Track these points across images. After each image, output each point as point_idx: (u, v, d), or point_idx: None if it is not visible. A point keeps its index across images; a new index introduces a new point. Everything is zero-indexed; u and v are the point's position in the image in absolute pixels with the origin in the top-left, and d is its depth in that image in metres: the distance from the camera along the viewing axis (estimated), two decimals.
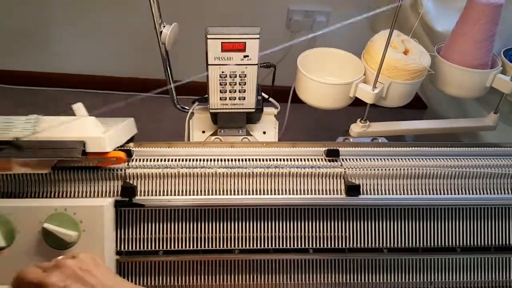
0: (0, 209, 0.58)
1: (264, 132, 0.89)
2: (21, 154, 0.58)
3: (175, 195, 0.64)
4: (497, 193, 0.67)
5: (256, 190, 0.65)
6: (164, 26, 0.78)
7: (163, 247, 0.64)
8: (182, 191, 0.65)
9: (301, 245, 0.65)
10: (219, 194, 0.65)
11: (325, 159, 0.69)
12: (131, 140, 0.72)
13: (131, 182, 0.64)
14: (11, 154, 0.57)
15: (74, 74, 1.80)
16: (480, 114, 1.04)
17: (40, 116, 0.63)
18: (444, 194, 0.66)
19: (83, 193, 0.64)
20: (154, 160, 0.67)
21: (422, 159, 0.68)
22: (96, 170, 0.64)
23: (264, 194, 0.65)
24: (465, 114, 1.15)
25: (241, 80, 0.76)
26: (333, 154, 0.69)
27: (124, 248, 0.63)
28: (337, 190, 0.65)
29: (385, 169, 0.66)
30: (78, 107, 0.65)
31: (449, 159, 0.69)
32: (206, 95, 0.80)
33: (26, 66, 1.78)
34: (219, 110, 0.80)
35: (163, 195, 0.64)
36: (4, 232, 0.58)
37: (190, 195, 0.65)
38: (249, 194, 0.65)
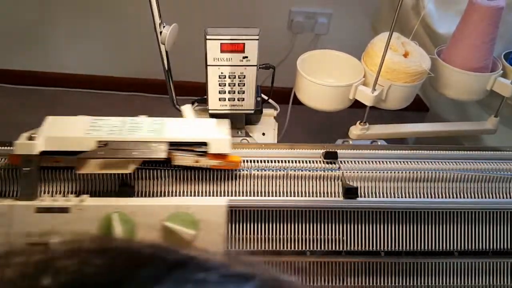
0: (124, 208, 0.59)
1: (264, 134, 0.89)
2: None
3: (171, 196, 0.64)
4: (496, 197, 0.66)
5: (254, 192, 0.65)
6: (164, 27, 0.78)
7: None
8: (180, 192, 0.65)
9: (298, 248, 0.64)
10: (216, 196, 0.65)
11: (323, 161, 0.68)
12: None
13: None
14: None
15: (74, 74, 1.80)
16: (482, 117, 1.03)
17: (164, 118, 0.67)
18: (442, 197, 0.66)
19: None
20: None
21: (420, 162, 0.68)
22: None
23: (261, 196, 0.65)
24: (467, 118, 1.15)
25: (240, 81, 0.76)
26: (331, 156, 0.68)
27: None
28: (334, 193, 0.65)
29: (383, 172, 0.66)
30: (187, 109, 0.71)
31: (448, 162, 0.68)
32: (205, 96, 0.79)
33: (27, 65, 1.78)
34: (218, 111, 0.80)
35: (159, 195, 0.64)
36: (126, 230, 0.58)
37: (185, 196, 0.64)
38: (246, 195, 0.65)
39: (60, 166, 0.63)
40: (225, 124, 0.70)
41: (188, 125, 0.69)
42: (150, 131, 0.63)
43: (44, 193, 0.63)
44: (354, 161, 0.68)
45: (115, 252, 0.25)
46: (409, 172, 0.66)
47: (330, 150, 0.69)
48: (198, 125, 0.69)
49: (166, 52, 0.81)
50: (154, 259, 0.24)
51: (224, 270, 0.24)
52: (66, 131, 0.63)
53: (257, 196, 0.65)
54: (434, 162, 0.68)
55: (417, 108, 1.04)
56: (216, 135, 0.65)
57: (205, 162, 0.63)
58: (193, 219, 0.60)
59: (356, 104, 0.85)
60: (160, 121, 0.66)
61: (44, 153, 0.60)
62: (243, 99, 0.78)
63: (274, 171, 0.66)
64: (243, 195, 0.65)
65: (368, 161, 0.68)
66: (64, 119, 0.65)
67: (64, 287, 0.23)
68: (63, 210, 0.59)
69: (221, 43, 0.71)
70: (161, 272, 0.23)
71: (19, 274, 0.24)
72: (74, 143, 0.61)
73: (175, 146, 0.62)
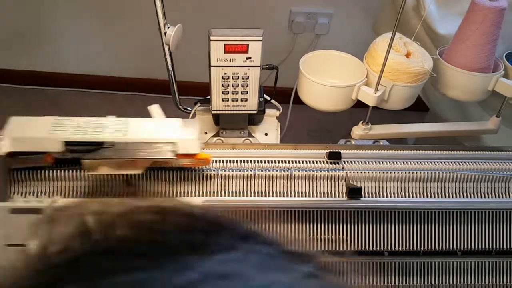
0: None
1: (266, 134, 0.89)
2: (115, 155, 0.59)
3: (175, 196, 0.64)
4: (498, 197, 0.67)
5: (257, 192, 0.65)
6: (168, 28, 0.78)
7: None
8: (183, 192, 0.65)
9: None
10: (220, 196, 0.65)
11: (326, 162, 0.69)
12: None
13: None
14: (105, 156, 0.59)
15: (77, 73, 1.80)
16: (482, 117, 1.04)
17: (127, 118, 0.65)
18: (445, 197, 0.66)
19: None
20: None
21: (424, 162, 0.68)
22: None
23: (265, 196, 0.65)
24: (467, 117, 1.15)
25: (244, 81, 0.76)
26: (334, 157, 0.69)
27: None
28: (338, 193, 0.65)
29: (387, 172, 0.66)
30: (155, 109, 0.68)
31: (452, 162, 0.69)
32: (208, 96, 0.80)
33: (29, 65, 1.78)
34: (221, 112, 0.80)
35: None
36: None
37: (190, 196, 0.65)
38: (250, 196, 0.65)
39: (29, 167, 0.62)
40: (193, 124, 0.68)
41: (154, 125, 0.66)
42: (117, 131, 0.62)
43: (15, 194, 0.62)
44: (358, 161, 0.68)
45: (196, 216, 0.26)
46: (413, 172, 0.66)
47: (334, 150, 0.69)
48: (163, 125, 0.66)
49: (170, 52, 0.81)
50: (227, 228, 0.25)
51: (285, 248, 0.25)
52: (31, 131, 0.61)
53: (261, 196, 0.65)
54: (438, 162, 0.69)
55: (416, 108, 1.04)
56: (184, 136, 0.63)
57: (175, 162, 0.63)
58: None
59: (356, 104, 0.86)
60: (124, 121, 0.65)
61: (14, 154, 0.59)
62: (246, 100, 0.79)
63: (278, 171, 0.66)
64: (245, 196, 0.65)
65: (372, 161, 0.68)
66: (29, 119, 0.63)
67: (138, 240, 0.23)
68: (37, 211, 0.58)
69: (225, 44, 0.71)
70: (234, 241, 0.24)
71: (95, 222, 0.24)
72: (40, 144, 0.59)
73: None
